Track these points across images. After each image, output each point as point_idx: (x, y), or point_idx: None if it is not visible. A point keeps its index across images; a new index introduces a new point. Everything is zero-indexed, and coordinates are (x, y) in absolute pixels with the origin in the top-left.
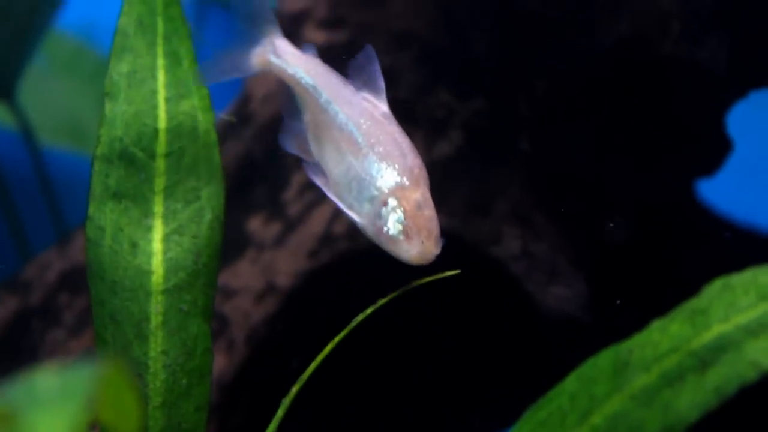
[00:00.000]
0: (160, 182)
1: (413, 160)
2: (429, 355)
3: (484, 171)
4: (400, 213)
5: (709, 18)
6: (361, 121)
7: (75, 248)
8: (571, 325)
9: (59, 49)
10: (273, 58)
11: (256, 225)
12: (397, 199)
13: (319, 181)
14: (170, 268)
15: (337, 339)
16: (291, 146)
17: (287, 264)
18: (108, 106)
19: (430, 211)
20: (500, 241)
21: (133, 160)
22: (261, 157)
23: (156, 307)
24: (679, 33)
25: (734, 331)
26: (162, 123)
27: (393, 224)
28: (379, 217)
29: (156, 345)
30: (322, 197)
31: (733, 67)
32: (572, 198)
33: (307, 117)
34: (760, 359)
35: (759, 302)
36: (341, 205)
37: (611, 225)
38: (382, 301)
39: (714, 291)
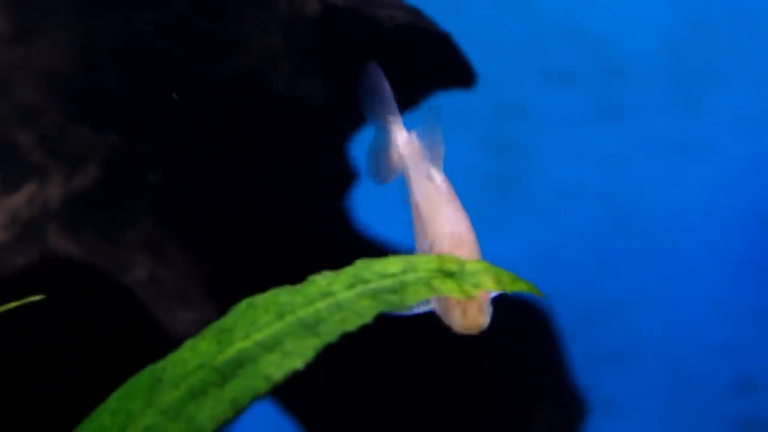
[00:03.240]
0: None
1: (458, 231)
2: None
3: (118, 204)
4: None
5: (308, 56)
6: (422, 205)
7: None
8: None
9: None
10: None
11: None
12: None
13: None
14: None
15: None
16: None
17: None
18: None
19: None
20: (130, 269)
21: None
22: None
23: None
24: (288, 71)
25: (253, 347)
26: None
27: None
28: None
29: None
30: None
31: (331, 105)
32: (203, 227)
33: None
34: (272, 372)
35: (276, 320)
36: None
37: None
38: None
39: (240, 310)
